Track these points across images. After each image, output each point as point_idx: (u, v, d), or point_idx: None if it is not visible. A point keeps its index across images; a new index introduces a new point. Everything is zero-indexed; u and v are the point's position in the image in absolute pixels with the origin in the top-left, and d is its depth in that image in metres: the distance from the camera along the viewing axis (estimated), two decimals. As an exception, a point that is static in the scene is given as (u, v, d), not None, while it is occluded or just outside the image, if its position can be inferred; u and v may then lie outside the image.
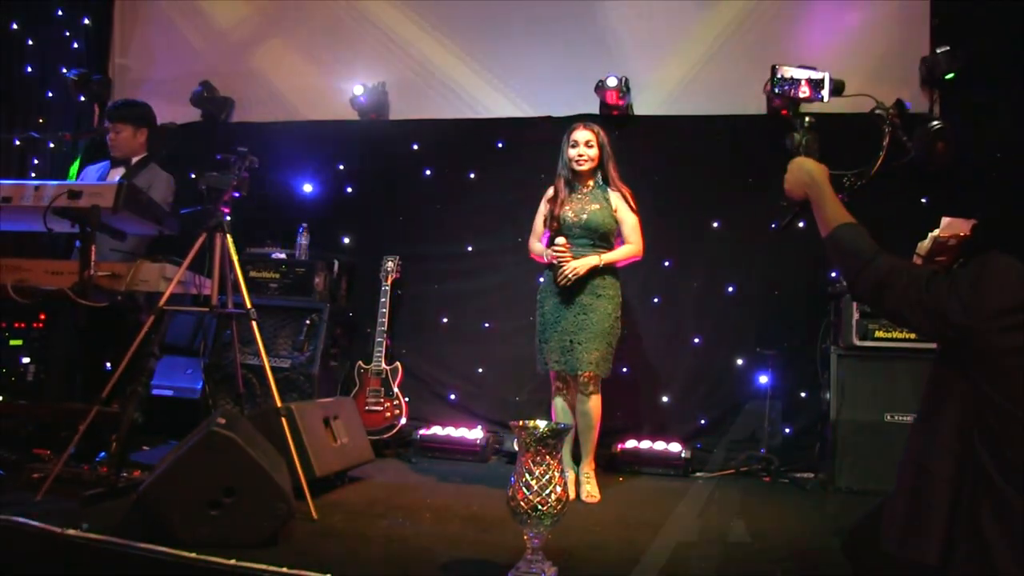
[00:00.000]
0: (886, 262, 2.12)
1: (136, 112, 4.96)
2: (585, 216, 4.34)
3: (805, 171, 2.41)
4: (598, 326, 4.28)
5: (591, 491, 4.32)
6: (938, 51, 5.20)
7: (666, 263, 5.62)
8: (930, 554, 2.00)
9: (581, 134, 4.43)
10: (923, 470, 2.07)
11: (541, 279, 4.55)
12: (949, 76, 5.21)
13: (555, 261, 4.30)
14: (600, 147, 4.42)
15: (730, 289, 5.59)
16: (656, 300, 5.67)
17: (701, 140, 5.66)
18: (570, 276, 4.26)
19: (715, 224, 5.64)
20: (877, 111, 2.69)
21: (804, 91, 2.66)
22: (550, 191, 4.53)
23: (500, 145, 6.06)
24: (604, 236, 4.38)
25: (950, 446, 2.03)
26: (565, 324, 4.31)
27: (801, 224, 5.30)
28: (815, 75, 2.67)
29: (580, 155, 4.40)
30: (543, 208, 4.54)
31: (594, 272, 4.30)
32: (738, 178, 5.59)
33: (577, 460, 4.48)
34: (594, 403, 4.32)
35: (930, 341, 2.15)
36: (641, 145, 5.69)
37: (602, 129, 4.48)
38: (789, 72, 2.67)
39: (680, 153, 5.71)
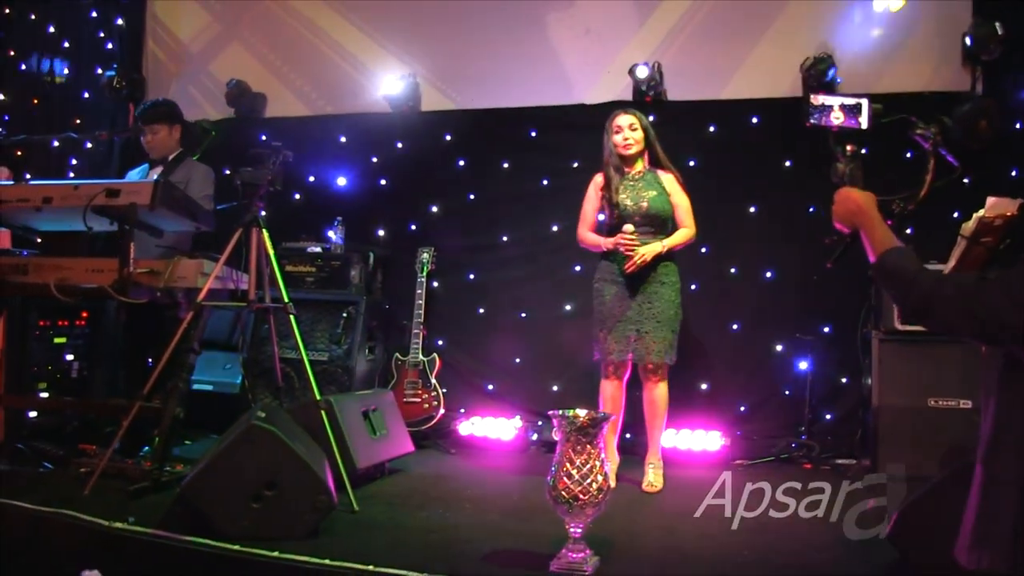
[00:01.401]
0: (930, 276, 2.06)
1: (166, 111, 4.98)
2: (645, 204, 4.32)
3: (852, 201, 2.32)
4: (664, 314, 4.28)
5: (653, 481, 4.30)
6: (978, 27, 5.08)
7: (703, 249, 5.52)
8: (1000, 561, 1.93)
9: (623, 119, 4.41)
10: (990, 476, 2.02)
11: (596, 266, 4.53)
12: (968, 43, 5.10)
13: (623, 250, 4.27)
14: (644, 130, 4.41)
15: (768, 274, 5.52)
16: (693, 287, 5.54)
17: (736, 124, 5.61)
18: (639, 264, 4.24)
19: (752, 209, 5.57)
20: (918, 132, 2.62)
21: (838, 117, 2.59)
22: (599, 178, 4.50)
23: (533, 134, 6.02)
24: (663, 222, 4.36)
25: (1016, 449, 1.97)
26: (630, 314, 4.30)
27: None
28: (848, 101, 2.60)
29: (626, 139, 4.38)
30: (592, 196, 4.52)
31: (656, 259, 4.28)
32: (774, 162, 5.53)
33: (623, 450, 4.48)
34: (662, 391, 4.34)
35: (987, 345, 2.08)
36: (676, 130, 5.55)
37: (642, 114, 4.47)
38: (820, 99, 2.61)
39: (715, 138, 5.65)
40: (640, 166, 4.45)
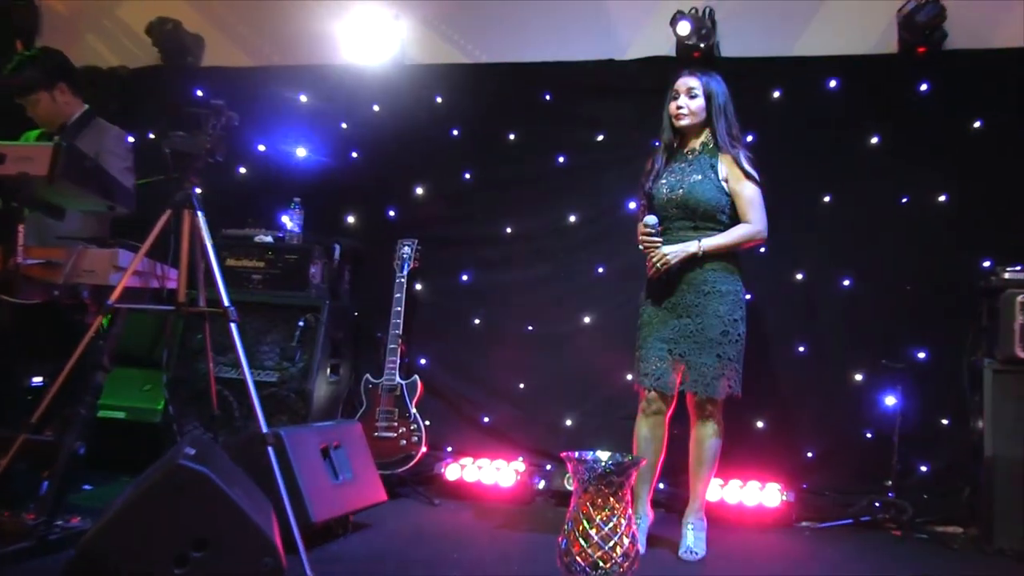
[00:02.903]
0: None
1: (39, 70, 4.83)
2: (681, 191, 4.25)
3: None
4: (705, 333, 4.18)
5: (692, 546, 4.22)
6: None
7: (761, 249, 5.44)
8: None
9: (683, 81, 4.35)
10: None
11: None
12: None
13: (642, 248, 4.24)
14: (708, 98, 4.33)
15: (846, 283, 5.47)
16: (748, 296, 5.42)
17: (809, 89, 5.58)
18: (659, 267, 4.17)
19: (826, 198, 5.54)
20: None
21: None
22: (649, 162, 4.49)
23: (548, 97, 6.00)
24: (708, 215, 4.25)
25: None
26: (664, 331, 4.24)
27: (943, 198, 5.23)
28: None
29: (679, 108, 4.32)
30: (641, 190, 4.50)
31: (699, 263, 4.20)
32: (858, 138, 5.49)
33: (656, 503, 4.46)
34: (708, 431, 4.27)
35: None
36: (730, 95, 5.54)
37: (715, 77, 4.40)
38: None
39: (781, 106, 5.63)
40: (695, 144, 4.38)
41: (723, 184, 4.27)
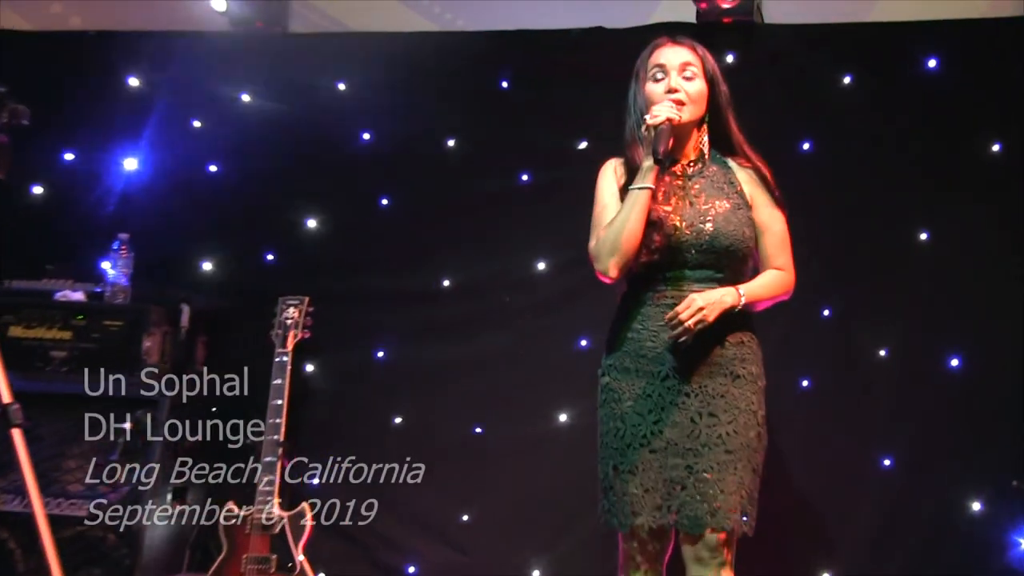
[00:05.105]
0: None
1: None
2: (710, 225, 3.93)
3: None
4: (740, 436, 3.85)
5: None
6: None
7: (825, 311, 5.56)
8: None
9: (671, 54, 4.04)
10: None
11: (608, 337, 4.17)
12: None
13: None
14: (710, 80, 4.05)
15: (954, 363, 5.44)
16: (805, 383, 5.61)
17: (895, 72, 5.62)
18: (691, 325, 3.78)
19: (922, 236, 5.53)
20: None
21: None
22: (616, 167, 4.14)
23: (505, 85, 6.07)
24: (739, 261, 3.99)
25: None
26: (674, 435, 3.87)
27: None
28: None
29: (674, 92, 3.99)
30: (610, 184, 4.12)
31: (727, 325, 3.87)
32: (969, 144, 5.50)
33: None
34: None
35: None
36: (777, 84, 5.60)
37: (706, 51, 4.15)
38: None
39: (853, 97, 5.67)
40: (695, 148, 4.11)
41: (751, 211, 4.03)
